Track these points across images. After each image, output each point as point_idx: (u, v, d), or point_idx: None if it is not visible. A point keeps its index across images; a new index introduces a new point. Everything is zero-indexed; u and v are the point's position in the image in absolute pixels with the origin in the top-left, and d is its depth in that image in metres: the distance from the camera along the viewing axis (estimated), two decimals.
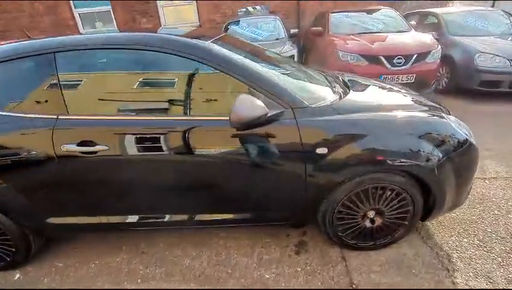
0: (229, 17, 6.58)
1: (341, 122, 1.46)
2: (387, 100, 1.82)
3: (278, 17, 5.61)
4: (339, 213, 1.61)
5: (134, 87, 1.54)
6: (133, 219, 1.67)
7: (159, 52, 1.44)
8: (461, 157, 1.55)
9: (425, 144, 1.47)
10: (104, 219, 1.66)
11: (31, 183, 1.52)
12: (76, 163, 1.46)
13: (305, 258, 1.75)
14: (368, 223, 1.66)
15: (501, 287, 1.49)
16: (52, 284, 1.70)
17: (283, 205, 1.63)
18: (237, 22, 5.45)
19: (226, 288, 1.60)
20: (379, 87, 2.14)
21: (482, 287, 1.49)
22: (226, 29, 5.38)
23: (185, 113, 1.51)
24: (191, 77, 1.55)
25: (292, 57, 4.47)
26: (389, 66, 3.86)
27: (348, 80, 2.08)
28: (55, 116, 1.43)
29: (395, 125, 1.49)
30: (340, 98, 1.66)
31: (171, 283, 1.65)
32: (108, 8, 7.38)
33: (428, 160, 1.46)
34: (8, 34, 7.21)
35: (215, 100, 1.60)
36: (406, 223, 1.65)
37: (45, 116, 1.44)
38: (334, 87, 1.84)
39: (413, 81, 3.86)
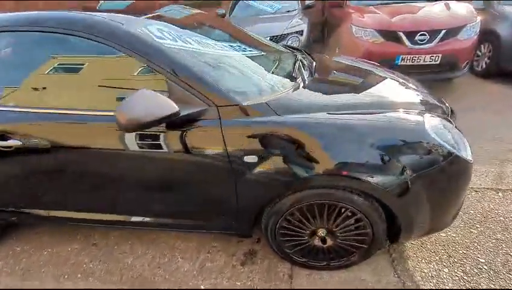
0: None
1: (275, 125, 1.18)
2: (359, 96, 1.46)
3: None
4: (282, 228, 1.38)
5: (39, 73, 1.39)
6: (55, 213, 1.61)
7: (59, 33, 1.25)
8: (441, 173, 1.20)
9: (387, 156, 1.15)
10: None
11: None
12: None
13: (249, 270, 1.57)
14: (317, 242, 1.41)
15: None
16: (4, 269, 1.75)
17: (216, 214, 1.44)
18: None
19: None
20: (363, 76, 1.76)
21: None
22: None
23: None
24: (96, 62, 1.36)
25: (300, 32, 4.01)
26: (409, 44, 3.26)
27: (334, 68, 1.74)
28: None
29: (347, 131, 1.17)
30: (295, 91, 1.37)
31: (106, 283, 1.60)
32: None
33: (388, 177, 1.15)
34: None
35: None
36: (365, 246, 1.38)
37: None
38: (298, 77, 1.53)
39: (438, 62, 3.25)
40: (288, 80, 1.48)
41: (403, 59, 3.27)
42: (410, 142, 1.18)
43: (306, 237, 1.40)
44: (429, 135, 1.18)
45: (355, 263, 1.47)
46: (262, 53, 1.80)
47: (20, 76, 1.41)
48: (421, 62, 3.28)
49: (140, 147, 1.28)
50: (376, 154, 1.14)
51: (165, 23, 1.55)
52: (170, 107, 1.09)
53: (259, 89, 1.34)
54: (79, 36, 1.24)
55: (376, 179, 1.14)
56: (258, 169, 1.20)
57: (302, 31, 4.02)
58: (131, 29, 1.26)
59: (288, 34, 3.95)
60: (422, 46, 3.25)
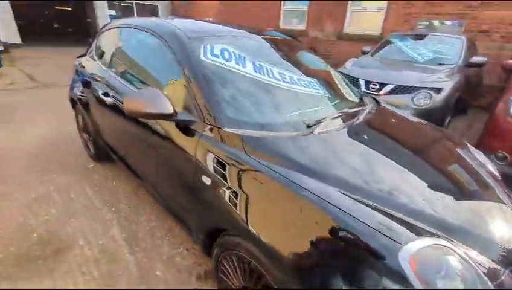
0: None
1: (237, 159, 1.17)
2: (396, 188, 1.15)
3: (465, 38, 4.15)
4: (222, 265, 1.34)
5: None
6: None
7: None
8: None
9: None
10: None
11: None
12: None
13: (198, 285, 1.59)
14: None
15: None
16: (108, 176, 2.55)
17: (184, 209, 1.55)
18: (404, 36, 4.56)
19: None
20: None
21: None
22: (388, 42, 4.66)
23: None
24: None
25: (437, 90, 3.31)
26: None
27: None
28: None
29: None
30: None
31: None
32: (305, 7, 8.16)
33: None
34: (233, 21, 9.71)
35: None
36: None
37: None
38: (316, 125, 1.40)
39: None
40: (303, 124, 1.38)
41: None
42: None
43: None
44: None
45: None
46: (315, 91, 1.73)
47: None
48: None
49: (153, 131, 1.59)
50: None
51: (231, 44, 1.75)
52: (167, 108, 1.30)
53: (262, 122, 1.34)
54: (157, 37, 1.72)
55: None
56: (210, 193, 1.23)
57: (441, 89, 3.29)
58: (186, 43, 1.56)
59: (420, 87, 3.35)
60: None
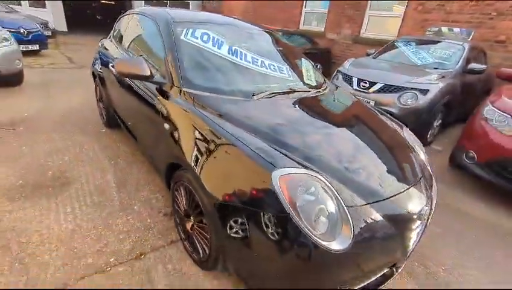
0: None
1: (183, 108, 1.58)
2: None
3: (467, 46, 4.19)
4: (175, 197, 1.73)
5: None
6: None
7: None
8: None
9: None
10: None
11: None
12: None
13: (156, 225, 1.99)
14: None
15: None
16: (117, 140, 3.05)
17: (158, 152, 1.96)
18: (409, 41, 4.68)
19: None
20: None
21: None
22: (392, 46, 4.81)
23: None
24: None
25: (423, 91, 3.45)
26: None
27: None
28: None
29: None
30: None
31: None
32: (325, 10, 8.37)
33: None
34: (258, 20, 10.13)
35: None
36: None
37: None
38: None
39: None
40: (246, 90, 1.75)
41: None
42: None
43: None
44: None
45: None
46: (276, 74, 2.09)
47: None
48: None
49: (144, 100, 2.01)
50: None
51: (209, 32, 2.13)
52: (145, 71, 1.72)
53: (214, 88, 1.72)
54: (153, 22, 2.17)
55: None
56: (168, 135, 1.63)
57: (427, 90, 3.42)
58: (171, 26, 1.97)
59: (406, 88, 3.50)
60: None
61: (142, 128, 2.25)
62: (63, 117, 3.55)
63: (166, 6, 13.16)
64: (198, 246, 1.58)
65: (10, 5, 8.92)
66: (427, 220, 1.48)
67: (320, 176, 1.20)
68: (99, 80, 3.15)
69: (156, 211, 2.08)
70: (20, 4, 10.60)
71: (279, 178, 1.14)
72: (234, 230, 1.22)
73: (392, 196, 1.33)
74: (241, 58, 2.06)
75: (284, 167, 1.19)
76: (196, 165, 1.39)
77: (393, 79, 3.68)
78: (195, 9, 13.39)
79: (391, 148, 1.68)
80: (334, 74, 4.44)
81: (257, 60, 2.14)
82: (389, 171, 1.47)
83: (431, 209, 1.50)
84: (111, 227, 1.88)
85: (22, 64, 4.47)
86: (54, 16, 11.24)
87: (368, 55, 5.03)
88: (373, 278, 1.34)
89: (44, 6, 11.26)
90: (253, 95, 1.74)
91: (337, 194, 1.18)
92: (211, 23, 2.28)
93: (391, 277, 1.46)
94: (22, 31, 6.72)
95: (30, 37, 6.91)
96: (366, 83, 3.80)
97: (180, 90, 1.67)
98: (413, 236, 1.39)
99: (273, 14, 9.87)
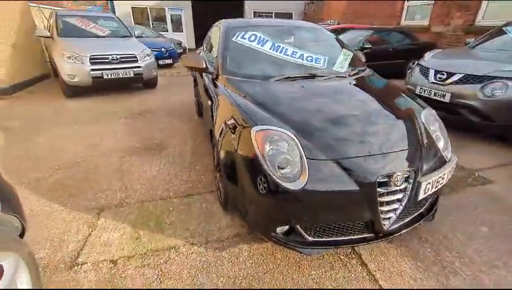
0: None
1: (221, 92, 2.17)
2: None
3: None
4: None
5: None
6: None
7: None
8: None
9: None
10: None
11: None
12: None
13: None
14: None
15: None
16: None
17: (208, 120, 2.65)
18: None
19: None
20: None
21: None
22: (499, 31, 4.02)
23: None
24: None
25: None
26: None
27: None
28: None
29: None
30: None
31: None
32: (431, 1, 7.45)
33: None
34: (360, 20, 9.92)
35: None
36: None
37: None
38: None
39: None
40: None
41: None
42: None
43: None
44: None
45: None
46: (308, 63, 2.46)
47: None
48: None
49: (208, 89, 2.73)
50: None
51: (258, 33, 2.67)
52: (202, 65, 2.44)
53: (245, 74, 2.27)
54: (220, 29, 2.86)
55: None
56: (209, 108, 2.28)
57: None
58: (227, 31, 2.63)
59: (493, 77, 2.97)
60: None
61: (204, 108, 3.00)
62: (172, 108, 4.87)
63: (272, 17, 14.55)
64: (220, 192, 2.14)
65: (160, 32, 12.12)
66: (412, 191, 1.53)
67: (289, 133, 1.54)
68: (194, 80, 4.20)
69: (210, 171, 2.78)
70: (167, 30, 14.15)
71: (256, 132, 1.56)
72: (232, 176, 1.71)
73: (359, 157, 1.50)
74: (280, 52, 2.52)
75: (262, 125, 1.59)
76: (215, 130, 1.96)
77: (477, 68, 3.21)
78: (298, 18, 14.19)
79: (386, 123, 1.77)
80: (412, 66, 4.15)
81: (296, 52, 2.55)
82: (369, 138, 1.61)
83: (416, 183, 1.53)
84: (178, 176, 2.70)
85: (156, 72, 6.25)
86: (187, 37, 14.39)
87: (466, 44, 4.37)
88: (349, 235, 1.56)
89: (182, 31, 14.59)
90: (270, 78, 2.17)
91: (300, 148, 1.49)
92: (263, 26, 2.83)
93: (372, 240, 1.60)
94: (162, 50, 9.12)
95: (167, 54, 9.28)
96: (443, 74, 3.44)
97: (220, 77, 2.28)
98: (386, 200, 1.50)
99: (373, 11, 9.49)
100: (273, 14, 14.49)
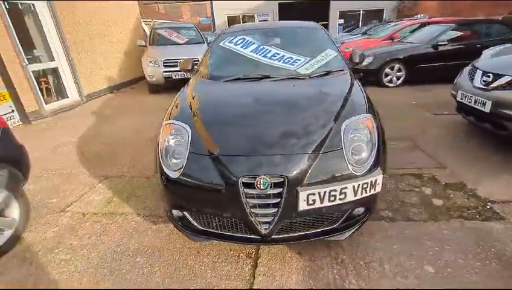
0: None
1: None
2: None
3: None
4: None
5: None
6: None
7: None
8: None
9: None
10: None
11: None
12: None
13: None
14: None
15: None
16: None
17: None
18: None
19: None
20: None
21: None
22: None
23: None
24: None
25: None
26: None
27: None
28: None
29: None
30: None
31: None
32: None
33: None
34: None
35: None
36: None
37: None
38: None
39: None
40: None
41: None
42: None
43: None
44: None
45: None
46: (275, 63, 2.50)
47: None
48: None
49: None
50: None
51: (247, 37, 2.82)
52: (189, 67, 2.81)
53: (213, 74, 2.51)
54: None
55: None
56: None
57: None
58: (218, 36, 2.91)
59: None
60: None
61: None
62: None
63: (359, 16, 13.51)
64: None
65: None
66: (288, 200, 1.45)
67: (187, 128, 1.72)
68: None
69: None
70: None
71: (165, 125, 1.82)
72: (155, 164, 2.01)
73: (237, 155, 1.54)
74: (261, 54, 2.63)
75: (173, 120, 1.84)
76: None
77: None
78: (390, 13, 12.63)
79: (289, 126, 1.71)
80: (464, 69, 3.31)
81: (278, 54, 2.61)
82: (263, 139, 1.61)
83: (294, 191, 1.44)
84: None
85: None
86: None
87: None
88: (235, 232, 1.63)
89: None
90: (222, 79, 2.33)
91: (188, 142, 1.66)
92: (256, 29, 2.98)
93: (257, 242, 1.63)
94: None
95: None
96: (489, 76, 2.66)
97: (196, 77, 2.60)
98: (257, 202, 1.48)
99: (475, 3, 7.68)
100: (361, 13, 13.39)
